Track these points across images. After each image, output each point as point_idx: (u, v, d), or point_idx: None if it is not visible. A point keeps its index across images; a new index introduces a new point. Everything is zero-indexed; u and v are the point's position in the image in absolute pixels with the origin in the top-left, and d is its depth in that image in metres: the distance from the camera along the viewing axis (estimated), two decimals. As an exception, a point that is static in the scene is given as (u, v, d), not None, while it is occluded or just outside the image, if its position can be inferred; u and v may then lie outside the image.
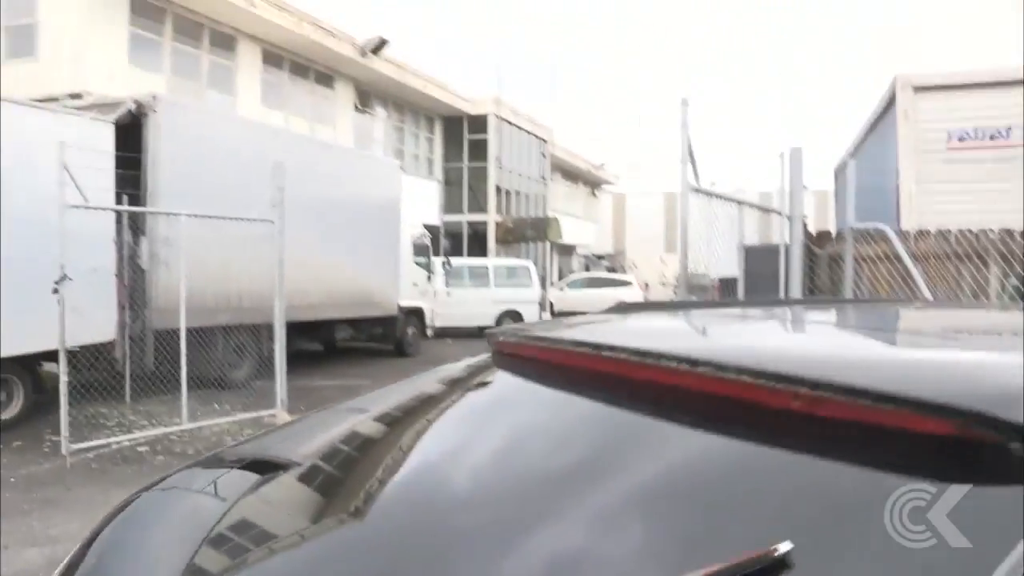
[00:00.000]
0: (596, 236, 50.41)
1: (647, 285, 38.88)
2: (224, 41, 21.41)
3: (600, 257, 50.55)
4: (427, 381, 2.18)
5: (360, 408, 2.08)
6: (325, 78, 25.46)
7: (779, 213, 8.93)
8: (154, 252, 11.48)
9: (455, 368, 2.18)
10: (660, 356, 1.32)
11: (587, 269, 45.94)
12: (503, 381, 1.87)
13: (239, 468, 1.88)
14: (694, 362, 1.25)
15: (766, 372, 1.15)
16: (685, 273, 6.54)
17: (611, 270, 44.94)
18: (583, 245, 47.87)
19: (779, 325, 2.11)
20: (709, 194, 7.01)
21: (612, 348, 1.44)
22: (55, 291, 7.89)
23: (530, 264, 25.60)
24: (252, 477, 1.80)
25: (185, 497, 1.83)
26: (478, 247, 32.08)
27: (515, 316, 22.96)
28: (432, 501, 1.44)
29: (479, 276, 23.81)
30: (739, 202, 8.09)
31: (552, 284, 35.25)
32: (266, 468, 1.82)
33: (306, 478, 1.77)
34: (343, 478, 1.75)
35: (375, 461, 1.76)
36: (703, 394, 1.23)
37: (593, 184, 52.18)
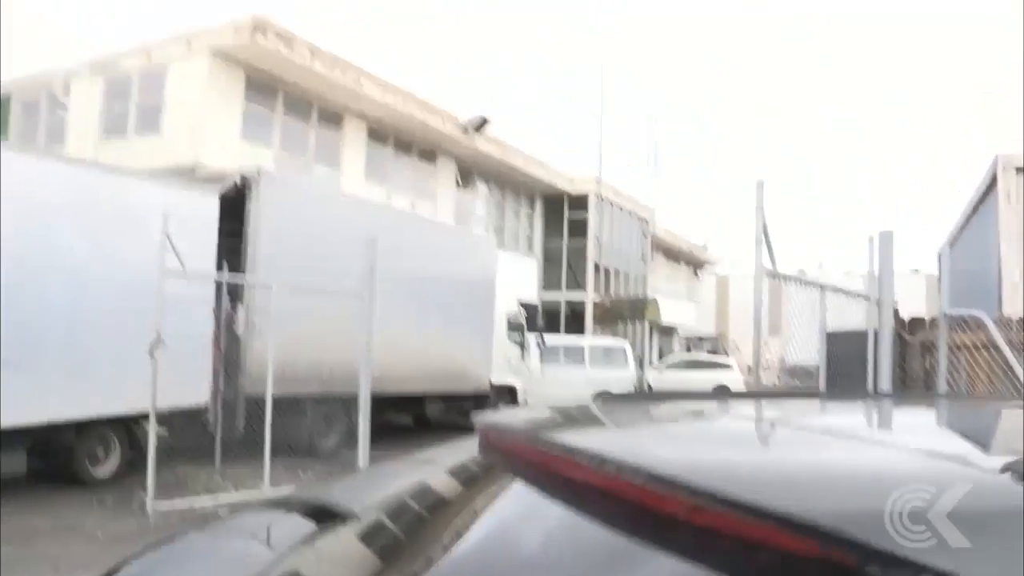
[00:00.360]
0: (698, 317, 49.87)
1: (749, 368, 38.11)
2: (331, 117, 22.29)
3: (702, 339, 49.82)
4: None
5: (432, 460, 2.06)
6: (428, 154, 26.13)
7: (866, 298, 8.75)
8: (250, 320, 11.81)
9: None
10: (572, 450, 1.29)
11: (688, 351, 45.37)
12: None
13: (299, 514, 1.88)
14: (601, 461, 1.22)
15: (654, 475, 1.14)
16: (758, 358, 6.43)
17: (713, 352, 44.26)
18: (684, 326, 47.37)
19: (728, 424, 1.96)
20: (785, 278, 6.94)
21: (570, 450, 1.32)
22: (150, 354, 8.27)
23: (626, 345, 25.59)
24: (309, 525, 1.78)
25: (234, 540, 1.84)
26: (576, 326, 32.07)
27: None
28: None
29: (574, 355, 23.84)
30: (821, 286, 7.99)
31: (651, 365, 34.88)
32: (326, 516, 1.79)
33: (364, 533, 1.71)
34: (403, 537, 1.66)
35: (441, 520, 1.67)
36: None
37: (695, 265, 51.82)
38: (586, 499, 1.23)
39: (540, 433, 1.55)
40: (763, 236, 6.49)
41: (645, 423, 2.01)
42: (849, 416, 2.25)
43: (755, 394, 3.16)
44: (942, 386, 8.57)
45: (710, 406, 2.43)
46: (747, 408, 2.26)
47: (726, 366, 31.73)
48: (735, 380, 28.56)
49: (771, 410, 2.29)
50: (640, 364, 30.71)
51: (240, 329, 11.86)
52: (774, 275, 6.85)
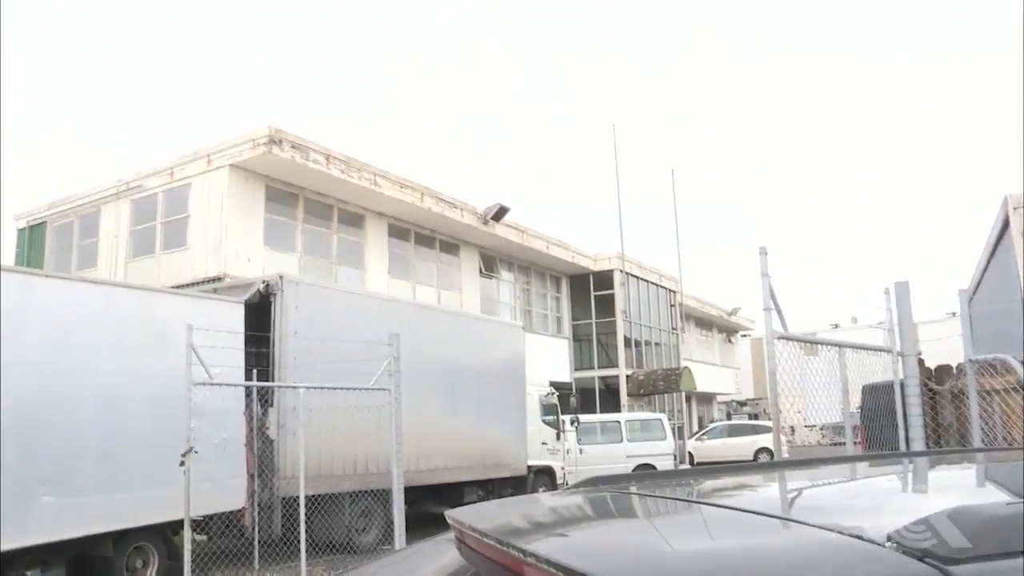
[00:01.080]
0: (736, 382, 49.48)
1: (792, 429, 37.70)
2: (352, 219, 22.68)
3: (742, 404, 49.47)
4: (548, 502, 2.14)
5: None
6: (450, 247, 26.44)
7: (888, 351, 8.69)
8: (282, 423, 11.93)
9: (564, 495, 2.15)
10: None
11: (729, 417, 44.98)
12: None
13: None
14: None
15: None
16: (778, 423, 6.41)
17: (754, 416, 43.86)
18: (723, 393, 46.98)
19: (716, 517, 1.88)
20: (800, 340, 6.95)
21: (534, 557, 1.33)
22: (181, 463, 8.38)
23: (662, 416, 25.65)
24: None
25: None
26: (612, 402, 31.96)
27: (649, 470, 22.59)
28: None
29: (611, 431, 23.97)
30: (837, 344, 7.97)
31: (691, 435, 34.58)
32: None
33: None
34: None
35: None
36: None
37: (728, 331, 51.58)
38: None
39: (499, 533, 1.54)
40: (771, 302, 6.60)
41: (618, 518, 1.99)
42: (861, 486, 2.24)
43: (769, 465, 3.15)
44: (976, 435, 8.42)
45: (723, 483, 2.42)
46: (749, 490, 2.25)
47: (768, 429, 31.36)
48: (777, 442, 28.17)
49: (766, 487, 2.28)
50: (679, 434, 30.41)
51: (272, 431, 11.95)
52: (787, 338, 6.88)
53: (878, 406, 8.60)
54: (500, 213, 26.61)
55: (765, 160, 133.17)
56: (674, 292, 38.17)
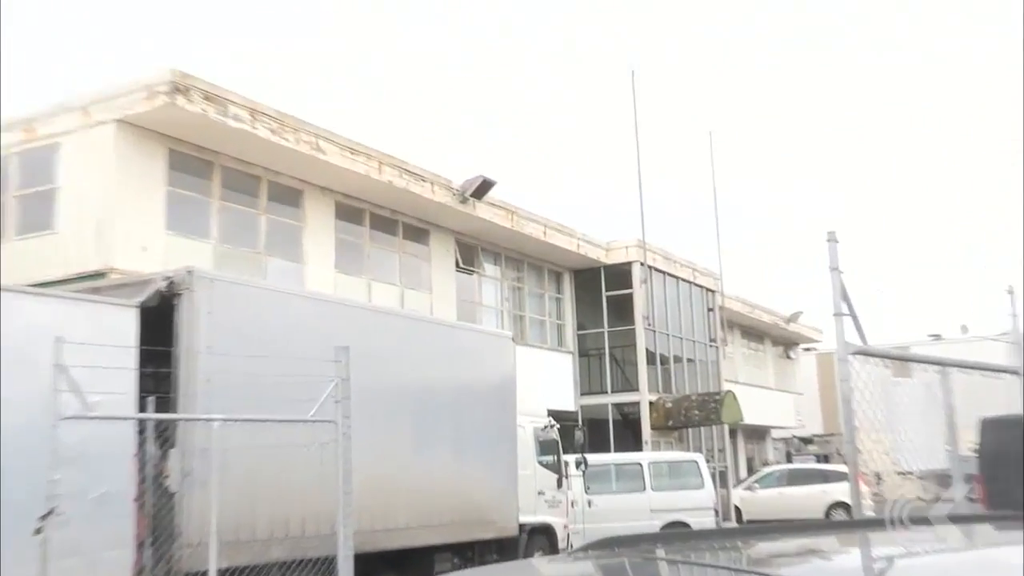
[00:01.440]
0: (797, 412, 49.43)
1: (879, 477, 37.60)
2: (287, 196, 22.65)
3: (806, 441, 49.43)
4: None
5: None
6: (417, 232, 26.59)
7: (1015, 372, 8.54)
8: (188, 469, 11.57)
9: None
10: None
11: (788, 458, 44.96)
12: None
13: None
14: None
15: None
16: (855, 468, 6.16)
17: (824, 459, 43.77)
18: (780, 426, 46.94)
19: None
20: (885, 356, 6.85)
21: None
22: (37, 531, 8.09)
23: (698, 458, 25.79)
24: None
25: None
26: (631, 437, 32.03)
27: (682, 528, 22.47)
28: None
29: (630, 477, 24.15)
30: (940, 363, 7.77)
31: (738, 482, 34.51)
32: None
33: None
34: None
35: None
36: None
37: (786, 343, 51.81)
38: None
39: None
40: (843, 304, 6.62)
41: None
42: None
43: (846, 525, 3.12)
44: None
45: (781, 549, 2.32)
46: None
47: (840, 476, 31.02)
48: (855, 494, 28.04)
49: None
50: (721, 481, 30.34)
51: (173, 481, 11.62)
52: (867, 354, 6.93)
53: (1005, 449, 8.38)
54: (483, 188, 26.55)
55: (836, 120, 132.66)
56: (713, 292, 38.34)
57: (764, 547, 2.34)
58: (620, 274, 33.27)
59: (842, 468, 32.60)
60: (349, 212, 24.22)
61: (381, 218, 25.22)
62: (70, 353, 8.56)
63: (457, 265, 27.93)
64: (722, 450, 35.51)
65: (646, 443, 31.27)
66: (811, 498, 30.21)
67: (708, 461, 26.59)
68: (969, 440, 8.71)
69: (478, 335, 19.09)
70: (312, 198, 23.10)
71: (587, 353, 33.31)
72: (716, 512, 24.54)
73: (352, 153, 22.65)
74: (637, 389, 32.70)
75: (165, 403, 11.47)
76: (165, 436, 11.62)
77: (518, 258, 30.82)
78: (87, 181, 18.90)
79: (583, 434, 22.15)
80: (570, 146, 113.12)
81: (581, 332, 33.39)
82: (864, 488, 24.19)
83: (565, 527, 19.20)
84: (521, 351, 19.05)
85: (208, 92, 19.21)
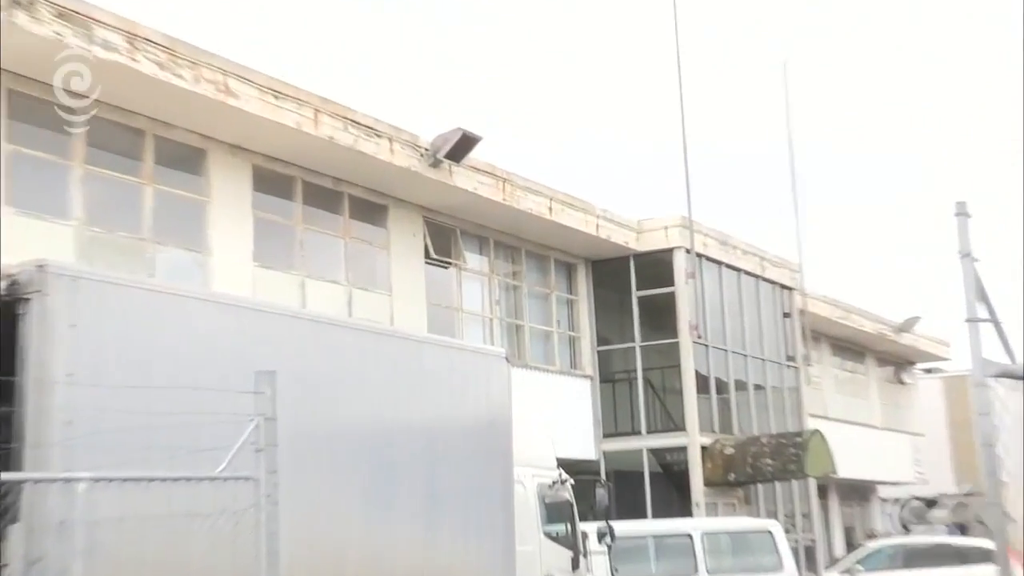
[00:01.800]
0: (917, 461, 49.25)
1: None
2: (183, 158, 22.24)
3: (931, 503, 49.07)
4: None
5: None
6: (370, 210, 26.57)
7: None
8: (39, 552, 11.05)
9: None
10: None
11: (906, 528, 44.65)
12: None
13: None
14: None
15: None
16: (1005, 541, 7.29)
17: (961, 528, 43.45)
18: (892, 482, 46.61)
19: None
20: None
21: None
22: None
23: (774, 527, 26.10)
24: None
25: None
26: (676, 496, 32.53)
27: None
28: None
29: (676, 554, 24.92)
30: None
31: (832, 562, 34.37)
32: None
33: None
34: None
35: None
36: None
37: (897, 362, 51.99)
38: None
39: None
40: (980, 306, 6.71)
41: None
42: None
43: None
44: None
45: None
46: None
47: (983, 555, 30.11)
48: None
49: None
50: (808, 561, 31.47)
51: (14, 573, 11.16)
52: (1015, 376, 6.92)
53: None
54: (463, 146, 26.03)
55: (954, 67, 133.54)
56: (790, 290, 38.76)
57: None
58: (657, 265, 33.35)
59: (987, 543, 31.53)
60: (273, 181, 23.93)
61: (319, 189, 25.02)
62: None
63: (427, 255, 27.89)
64: (807, 515, 35.95)
65: (697, 506, 31.56)
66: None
67: (787, 531, 27.09)
68: None
69: (458, 354, 18.92)
70: (219, 161, 22.65)
71: (612, 378, 33.61)
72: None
73: (276, 97, 22.13)
74: (684, 429, 32.87)
75: (5, 457, 10.98)
76: (4, 506, 10.67)
77: (513, 245, 31.04)
78: None
79: (607, 492, 21.99)
80: (585, 88, 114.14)
81: (603, 348, 33.54)
82: (1021, 571, 23.05)
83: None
84: (519, 375, 19.92)
85: (64, 8, 18.57)
